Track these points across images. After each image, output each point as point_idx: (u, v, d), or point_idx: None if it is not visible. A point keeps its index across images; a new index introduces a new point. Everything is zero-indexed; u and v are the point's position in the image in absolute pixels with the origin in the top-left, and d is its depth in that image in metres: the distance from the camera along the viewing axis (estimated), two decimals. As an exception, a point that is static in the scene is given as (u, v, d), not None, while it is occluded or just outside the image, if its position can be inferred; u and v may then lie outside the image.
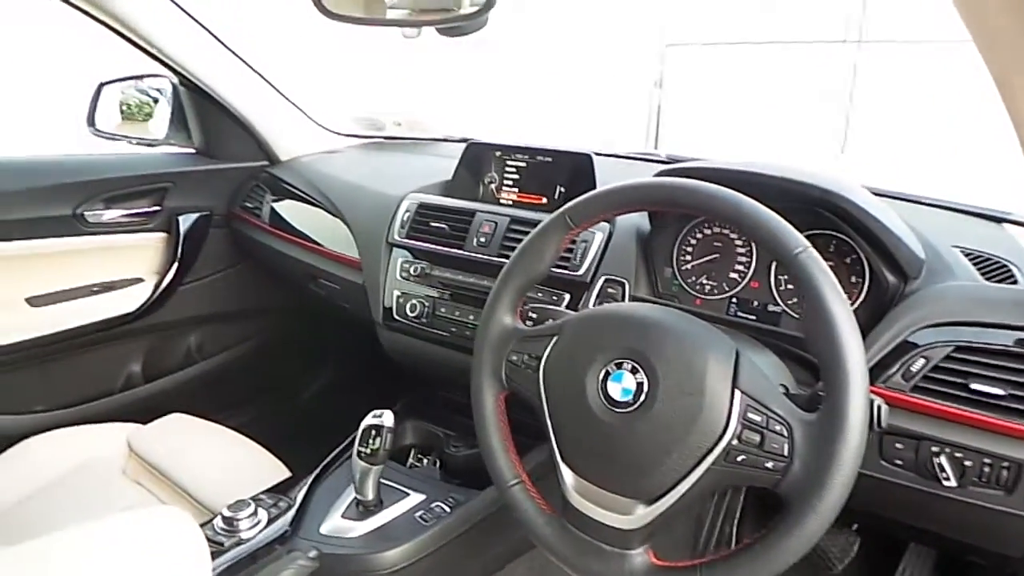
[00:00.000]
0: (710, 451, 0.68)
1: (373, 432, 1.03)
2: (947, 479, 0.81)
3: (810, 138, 5.31)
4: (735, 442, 0.67)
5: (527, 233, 1.14)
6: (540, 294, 1.10)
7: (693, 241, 1.05)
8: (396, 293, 1.27)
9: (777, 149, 5.40)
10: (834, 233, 0.93)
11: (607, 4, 5.91)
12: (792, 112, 5.41)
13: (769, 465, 0.66)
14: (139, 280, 1.57)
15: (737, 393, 0.68)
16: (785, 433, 0.66)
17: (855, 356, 0.63)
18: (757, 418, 0.67)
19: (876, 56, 4.91)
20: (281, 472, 1.28)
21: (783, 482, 0.65)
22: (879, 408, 0.68)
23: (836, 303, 0.64)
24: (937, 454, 0.81)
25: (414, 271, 1.25)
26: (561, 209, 0.83)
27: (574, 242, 1.06)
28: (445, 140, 1.77)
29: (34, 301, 1.41)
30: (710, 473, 0.68)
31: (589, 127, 5.86)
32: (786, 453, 0.65)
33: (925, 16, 4.57)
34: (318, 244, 1.48)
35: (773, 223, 0.69)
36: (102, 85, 1.63)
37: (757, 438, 0.66)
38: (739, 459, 0.67)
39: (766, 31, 5.45)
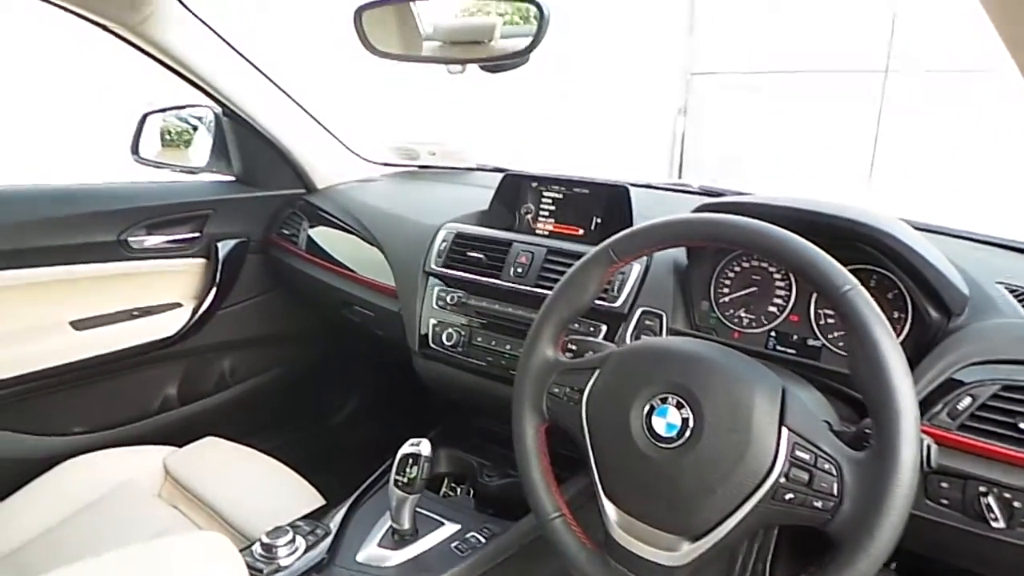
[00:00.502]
0: (757, 488, 0.67)
1: (410, 461, 1.04)
2: (995, 520, 0.79)
3: (836, 167, 5.29)
4: (783, 480, 0.67)
5: (564, 264, 1.16)
6: (577, 325, 1.10)
7: (731, 274, 1.05)
8: (432, 321, 1.28)
9: (803, 178, 5.39)
10: (875, 268, 0.93)
11: (633, 34, 5.96)
12: (817, 141, 5.39)
13: (818, 504, 0.65)
14: (178, 305, 1.59)
15: (784, 430, 0.68)
16: (834, 472, 0.65)
17: (906, 395, 0.63)
18: (805, 456, 0.67)
19: (904, 85, 4.89)
20: (314, 498, 1.28)
21: (832, 522, 0.65)
22: (928, 448, 0.68)
23: (886, 341, 0.64)
24: (984, 494, 0.80)
25: (450, 300, 1.26)
26: (605, 243, 0.84)
27: (613, 274, 1.06)
28: (479, 169, 1.79)
29: (77, 324, 1.44)
30: (757, 511, 0.68)
31: (613, 154, 5.88)
32: (835, 492, 0.65)
33: (954, 45, 4.55)
34: (354, 271, 1.50)
35: (820, 260, 0.69)
36: (146, 115, 1.67)
37: (805, 476, 0.66)
38: (787, 497, 0.66)
39: (791, 61, 5.46)
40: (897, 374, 0.63)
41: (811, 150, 5.44)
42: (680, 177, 6.39)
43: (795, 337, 0.99)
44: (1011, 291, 0.91)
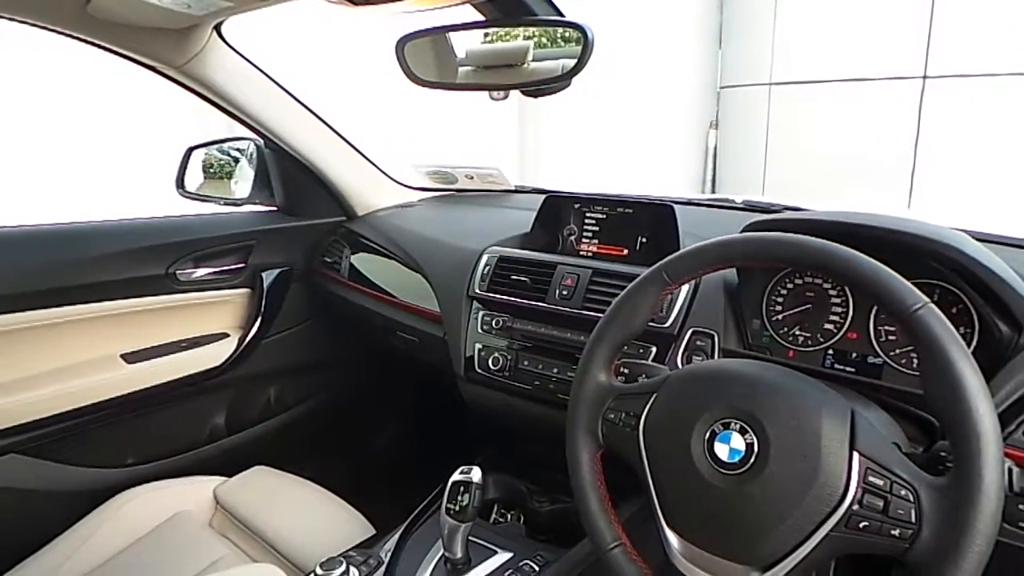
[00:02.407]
0: (829, 516, 0.65)
1: (461, 488, 1.03)
2: (1078, 543, 0.75)
3: (875, 176, 5.18)
4: (856, 507, 0.64)
5: (610, 285, 1.15)
6: (626, 347, 1.09)
7: (783, 291, 1.02)
8: (478, 346, 1.28)
9: (842, 188, 5.29)
10: (938, 282, 0.90)
11: (663, 49, 5.96)
12: (854, 150, 5.30)
13: (895, 532, 0.62)
14: (224, 335, 1.62)
15: (855, 455, 0.65)
16: (911, 498, 0.63)
17: (987, 418, 0.60)
18: (879, 482, 0.64)
19: (945, 92, 4.79)
20: (363, 526, 1.28)
21: (911, 551, 0.62)
22: (1010, 470, 0.65)
23: (962, 361, 0.61)
24: None
25: (495, 324, 1.25)
26: (658, 265, 0.82)
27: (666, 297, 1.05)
28: (518, 191, 1.79)
29: (128, 358, 1.47)
30: (829, 539, 0.65)
31: (646, 167, 5.86)
32: (913, 520, 0.62)
33: (993, 49, 4.45)
34: (396, 297, 1.51)
35: (888, 279, 0.66)
36: (191, 149, 1.71)
37: (880, 503, 0.63)
38: (861, 525, 0.64)
39: (825, 70, 5.40)
40: (976, 395, 0.60)
41: (848, 160, 5.34)
42: (714, 191, 6.34)
43: (854, 355, 0.96)
44: None
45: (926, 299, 0.65)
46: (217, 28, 1.29)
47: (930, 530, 0.61)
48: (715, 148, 6.56)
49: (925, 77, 4.86)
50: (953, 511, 0.60)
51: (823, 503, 0.65)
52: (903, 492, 0.63)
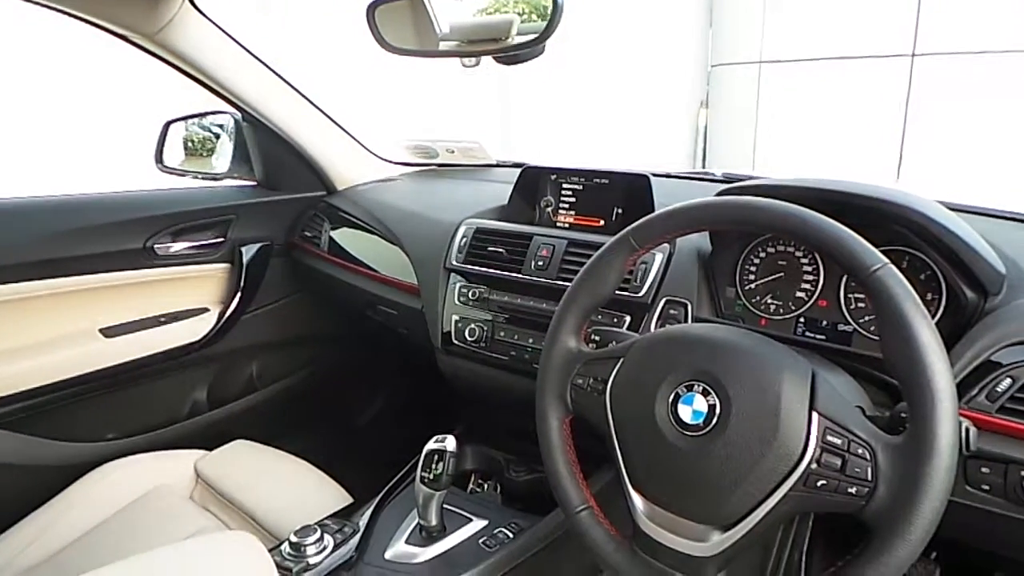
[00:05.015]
0: (788, 475, 0.65)
1: (436, 457, 1.04)
2: (1039, 505, 0.76)
3: (864, 154, 5.19)
4: (814, 466, 0.65)
5: (585, 256, 1.15)
6: (600, 316, 1.09)
7: (756, 260, 1.03)
8: (455, 318, 1.28)
9: (831, 166, 5.30)
10: (907, 249, 0.90)
11: (653, 28, 5.93)
12: (843, 128, 5.30)
13: (852, 490, 0.63)
14: (204, 310, 1.61)
15: (815, 415, 0.66)
16: (868, 456, 0.63)
17: (942, 374, 0.60)
18: (837, 441, 0.64)
19: (933, 69, 4.79)
20: (342, 497, 1.29)
21: (867, 508, 0.63)
22: (967, 431, 0.65)
23: (919, 321, 0.62)
24: None
25: (472, 295, 1.26)
26: (625, 230, 0.82)
27: (634, 263, 1.05)
28: (499, 165, 1.78)
29: (107, 332, 1.46)
30: (789, 498, 0.66)
31: (636, 149, 5.85)
32: (870, 478, 0.63)
33: (981, 27, 4.44)
34: (376, 271, 1.51)
35: (848, 239, 0.67)
36: (168, 123, 1.69)
37: (838, 462, 0.64)
38: (819, 484, 0.64)
39: (815, 48, 5.38)
40: (932, 353, 0.61)
41: (838, 139, 5.35)
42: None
43: (824, 322, 0.97)
44: None
45: (886, 260, 0.65)
46: (189, -5, 1.27)
47: (886, 487, 0.62)
48: (705, 127, 6.55)
49: (914, 55, 4.86)
50: (908, 468, 0.61)
51: (782, 462, 0.66)
52: (860, 451, 0.64)
